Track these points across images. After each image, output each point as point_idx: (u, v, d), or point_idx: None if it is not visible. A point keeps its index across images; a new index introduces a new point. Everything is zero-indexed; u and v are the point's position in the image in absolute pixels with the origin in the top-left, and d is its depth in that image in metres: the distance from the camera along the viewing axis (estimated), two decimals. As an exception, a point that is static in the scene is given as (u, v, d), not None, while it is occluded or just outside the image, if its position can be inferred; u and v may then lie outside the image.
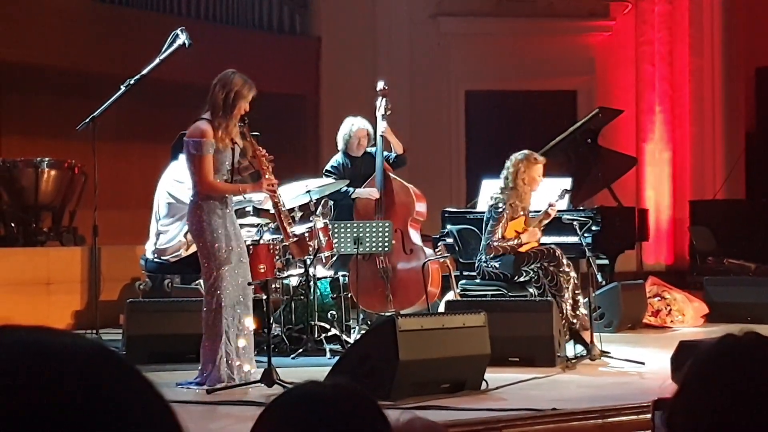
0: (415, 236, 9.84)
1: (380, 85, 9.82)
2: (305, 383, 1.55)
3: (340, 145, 9.77)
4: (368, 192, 9.71)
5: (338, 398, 1.50)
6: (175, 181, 8.98)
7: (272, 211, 7.57)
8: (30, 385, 0.89)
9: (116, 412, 0.91)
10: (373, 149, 9.80)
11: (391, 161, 9.87)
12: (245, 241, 7.38)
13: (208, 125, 6.96)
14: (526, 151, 9.01)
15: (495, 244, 8.83)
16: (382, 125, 9.73)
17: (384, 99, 9.74)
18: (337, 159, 9.76)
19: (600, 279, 8.79)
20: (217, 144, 6.94)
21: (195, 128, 7.01)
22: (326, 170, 9.64)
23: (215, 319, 6.95)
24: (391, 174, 9.89)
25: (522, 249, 8.83)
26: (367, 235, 9.01)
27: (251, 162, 7.12)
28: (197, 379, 7.00)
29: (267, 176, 7.06)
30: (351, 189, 9.58)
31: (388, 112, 9.75)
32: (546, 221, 8.96)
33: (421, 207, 9.88)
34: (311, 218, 8.41)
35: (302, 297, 8.78)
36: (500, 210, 8.83)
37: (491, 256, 8.89)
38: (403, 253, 9.70)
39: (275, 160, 7.19)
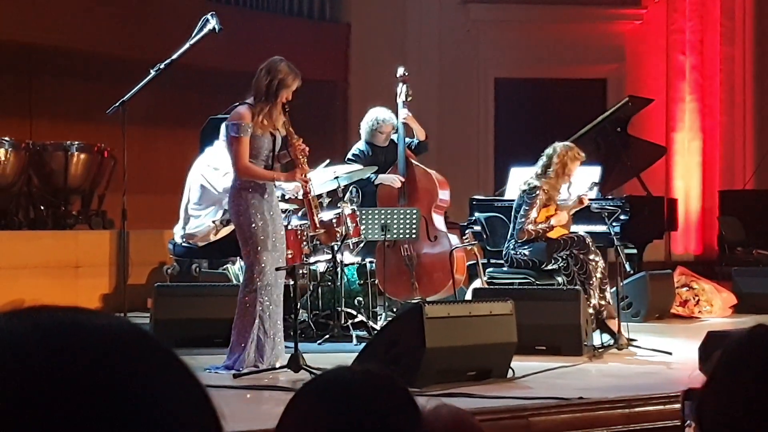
0: (440, 222, 9.82)
1: (400, 71, 9.80)
2: (335, 369, 1.55)
3: (363, 134, 9.73)
4: (391, 178, 9.68)
5: (368, 384, 1.50)
6: (211, 167, 9.00)
7: (300, 197, 7.60)
8: (67, 365, 0.90)
9: (152, 393, 0.91)
10: (394, 136, 9.78)
11: (412, 147, 9.85)
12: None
13: (247, 109, 7.02)
14: (571, 144, 8.97)
15: (528, 227, 8.81)
16: (403, 112, 9.71)
17: (405, 85, 9.71)
18: (359, 147, 9.72)
19: (628, 268, 8.75)
20: (255, 129, 6.98)
21: (235, 112, 7.10)
22: (348, 158, 9.61)
23: (250, 301, 7.00)
24: (413, 161, 9.86)
25: (552, 235, 8.82)
26: (395, 221, 9.00)
27: (288, 151, 7.15)
28: (227, 362, 7.03)
29: (301, 166, 7.09)
30: (374, 176, 9.57)
31: (409, 99, 9.73)
32: (577, 209, 8.95)
33: (444, 194, 9.85)
34: (339, 204, 8.41)
35: (329, 283, 8.79)
36: (534, 195, 8.79)
37: (523, 240, 8.87)
38: (428, 239, 9.68)
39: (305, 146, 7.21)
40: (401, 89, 9.72)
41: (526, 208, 8.84)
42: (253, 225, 7.01)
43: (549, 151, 8.88)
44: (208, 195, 9.01)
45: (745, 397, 1.54)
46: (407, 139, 9.80)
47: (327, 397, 1.48)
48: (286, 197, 8.17)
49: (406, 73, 9.80)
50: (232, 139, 7.07)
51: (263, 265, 7.00)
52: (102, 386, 0.89)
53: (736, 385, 1.56)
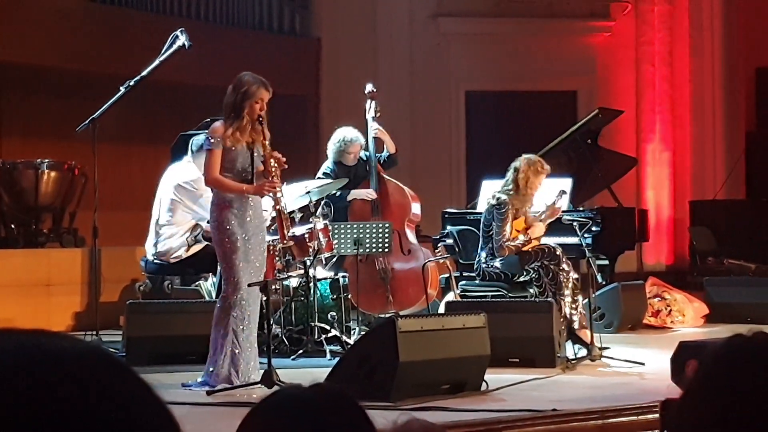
0: (412, 237, 9.85)
1: (368, 87, 9.84)
2: (287, 387, 1.57)
3: (331, 154, 9.71)
4: (365, 192, 9.69)
5: (320, 400, 1.51)
6: (181, 183, 8.98)
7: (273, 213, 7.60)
8: (28, 390, 0.89)
9: (114, 416, 0.91)
10: (362, 154, 9.79)
11: (382, 161, 9.86)
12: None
13: (220, 123, 7.13)
14: (534, 157, 8.97)
15: (507, 244, 8.79)
16: (373, 126, 9.73)
17: (373, 101, 9.77)
18: (328, 165, 9.71)
19: (600, 279, 8.78)
20: (225, 142, 7.01)
21: (211, 126, 7.23)
22: (318, 177, 9.58)
23: (224, 316, 7.00)
24: (385, 176, 9.88)
25: (526, 247, 8.82)
26: (367, 236, 9.01)
27: (263, 164, 7.17)
28: (203, 379, 7.02)
29: (270, 179, 7.09)
30: (347, 192, 9.56)
31: (378, 114, 9.77)
32: (550, 219, 8.95)
33: (416, 208, 9.89)
34: (311, 219, 8.41)
35: (302, 298, 8.78)
36: (504, 210, 8.80)
37: (504, 256, 8.82)
38: (402, 254, 9.70)
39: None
40: (370, 105, 9.76)
41: (499, 224, 8.83)
42: (228, 240, 7.02)
43: (515, 164, 8.92)
44: (177, 211, 8.99)
45: (723, 407, 1.54)
46: (377, 154, 9.81)
47: (279, 416, 1.49)
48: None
49: (374, 90, 9.85)
50: (205, 152, 7.20)
51: (236, 279, 7.01)
52: (63, 409, 0.89)
53: (714, 396, 1.56)
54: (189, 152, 9.09)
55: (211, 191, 7.31)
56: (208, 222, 8.58)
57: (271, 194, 7.16)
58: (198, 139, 8.96)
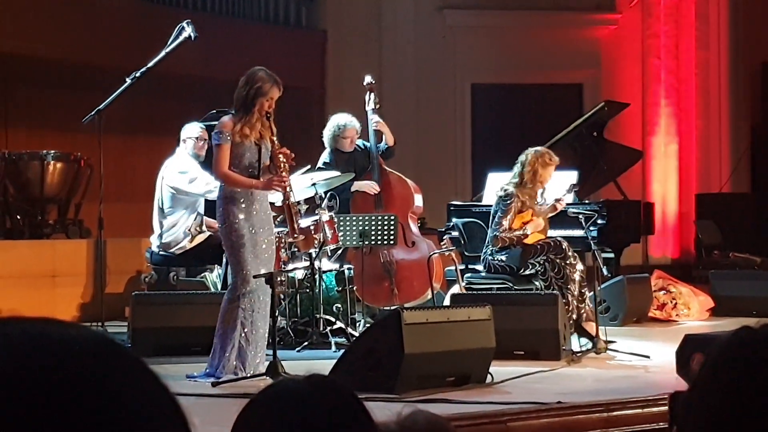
0: (415, 228, 9.85)
1: (367, 79, 9.85)
2: (282, 380, 1.57)
3: (327, 143, 9.72)
4: (369, 185, 9.69)
5: (314, 392, 1.51)
6: (178, 172, 9.00)
7: (278, 204, 7.61)
8: (34, 377, 0.89)
9: (121, 405, 0.91)
10: (359, 142, 9.80)
11: (380, 153, 9.86)
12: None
13: (230, 119, 7.14)
14: (542, 149, 8.98)
15: (501, 235, 8.82)
16: (374, 118, 9.74)
17: (372, 93, 9.78)
18: (325, 157, 9.72)
19: (605, 272, 8.76)
20: (234, 137, 7.04)
21: (219, 121, 7.25)
22: (319, 168, 9.58)
23: (233, 308, 7.02)
24: (386, 168, 9.87)
25: (528, 241, 8.82)
26: (373, 228, 9.00)
27: (271, 159, 7.19)
28: (207, 370, 7.03)
29: (279, 174, 7.10)
30: (350, 183, 9.55)
31: (377, 106, 9.79)
32: (551, 214, 8.96)
33: (418, 200, 9.89)
34: (317, 211, 8.41)
35: (308, 290, 8.78)
36: (509, 202, 8.81)
37: (497, 247, 8.88)
38: (406, 245, 9.69)
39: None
40: (369, 97, 9.78)
41: (500, 215, 8.85)
42: (235, 234, 7.04)
43: (522, 157, 8.91)
44: (178, 201, 9.02)
45: (730, 400, 1.53)
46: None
47: (274, 407, 1.49)
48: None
49: (373, 81, 9.88)
50: (214, 146, 7.20)
51: (245, 272, 7.02)
52: (69, 397, 0.89)
53: (721, 389, 1.55)
54: (180, 141, 9.17)
55: (207, 175, 7.36)
56: (210, 215, 8.63)
57: (279, 189, 7.17)
58: (188, 126, 9.08)
